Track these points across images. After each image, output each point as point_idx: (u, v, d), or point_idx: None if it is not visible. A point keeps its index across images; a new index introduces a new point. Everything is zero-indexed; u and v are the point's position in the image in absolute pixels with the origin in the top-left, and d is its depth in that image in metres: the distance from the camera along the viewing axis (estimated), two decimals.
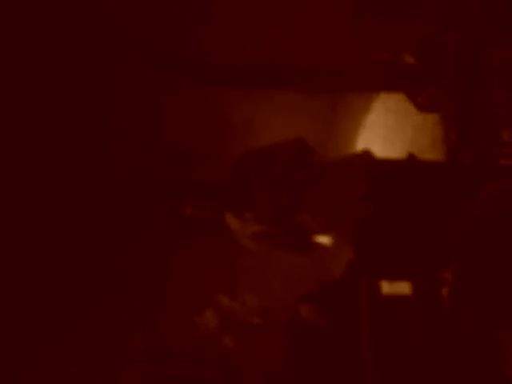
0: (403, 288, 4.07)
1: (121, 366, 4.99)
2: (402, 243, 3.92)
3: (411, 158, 4.25)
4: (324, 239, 4.20)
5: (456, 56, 4.67)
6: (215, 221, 4.33)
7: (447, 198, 3.73)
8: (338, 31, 5.17)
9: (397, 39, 4.93)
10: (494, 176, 3.87)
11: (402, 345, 3.97)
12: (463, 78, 4.69)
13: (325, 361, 4.20)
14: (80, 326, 4.97)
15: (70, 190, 5.06)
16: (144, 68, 5.31)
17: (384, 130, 5.45)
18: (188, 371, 5.00)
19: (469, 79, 4.68)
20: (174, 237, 5.06)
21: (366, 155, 4.23)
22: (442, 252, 3.59)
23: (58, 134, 5.12)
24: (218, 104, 5.44)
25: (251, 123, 5.39)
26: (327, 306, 4.25)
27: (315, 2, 5.27)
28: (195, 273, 5.15)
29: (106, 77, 5.27)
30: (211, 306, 5.08)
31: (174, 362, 5.03)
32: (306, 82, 5.37)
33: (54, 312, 4.91)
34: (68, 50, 5.19)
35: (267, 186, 4.07)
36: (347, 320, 4.17)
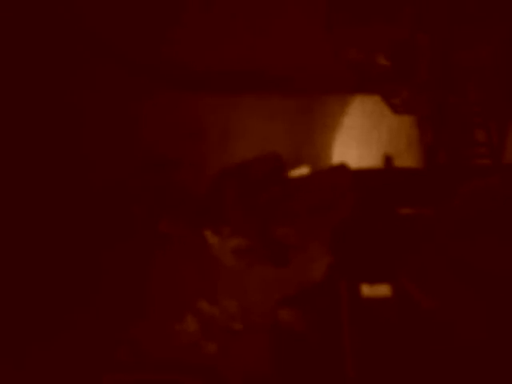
0: (383, 290, 4.09)
1: (101, 373, 4.97)
2: (379, 246, 3.95)
3: (388, 159, 4.29)
4: (302, 250, 4.23)
5: (429, 57, 4.71)
6: (191, 236, 4.36)
7: (423, 200, 3.75)
8: (311, 34, 5.19)
9: (370, 41, 4.96)
10: (468, 176, 3.90)
11: (382, 346, 3.99)
12: (436, 79, 4.73)
13: (306, 364, 4.20)
14: (60, 335, 4.95)
15: (46, 199, 5.04)
16: (119, 76, 5.31)
17: (360, 132, 5.47)
18: (169, 378, 4.99)
19: (442, 80, 4.71)
20: (153, 244, 5.05)
21: (343, 168, 4.27)
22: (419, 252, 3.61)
23: (34, 143, 5.10)
24: (193, 109, 5.44)
25: (227, 128, 5.40)
26: (307, 310, 4.26)
27: (288, 7, 5.29)
28: (175, 279, 5.14)
29: (81, 85, 5.26)
30: (191, 312, 5.07)
31: (155, 369, 5.01)
32: (281, 85, 5.39)
33: (33, 320, 4.90)
34: (44, 59, 5.18)
35: (243, 202, 4.09)
36: (327, 323, 4.18)
